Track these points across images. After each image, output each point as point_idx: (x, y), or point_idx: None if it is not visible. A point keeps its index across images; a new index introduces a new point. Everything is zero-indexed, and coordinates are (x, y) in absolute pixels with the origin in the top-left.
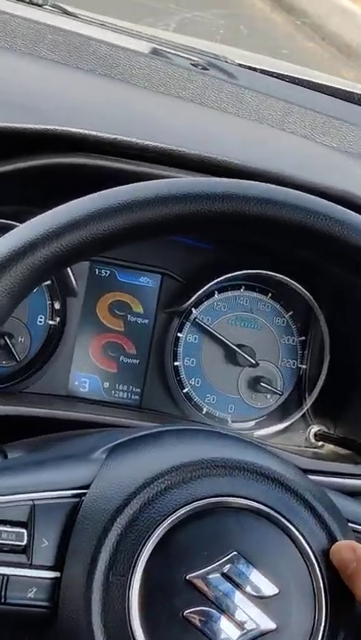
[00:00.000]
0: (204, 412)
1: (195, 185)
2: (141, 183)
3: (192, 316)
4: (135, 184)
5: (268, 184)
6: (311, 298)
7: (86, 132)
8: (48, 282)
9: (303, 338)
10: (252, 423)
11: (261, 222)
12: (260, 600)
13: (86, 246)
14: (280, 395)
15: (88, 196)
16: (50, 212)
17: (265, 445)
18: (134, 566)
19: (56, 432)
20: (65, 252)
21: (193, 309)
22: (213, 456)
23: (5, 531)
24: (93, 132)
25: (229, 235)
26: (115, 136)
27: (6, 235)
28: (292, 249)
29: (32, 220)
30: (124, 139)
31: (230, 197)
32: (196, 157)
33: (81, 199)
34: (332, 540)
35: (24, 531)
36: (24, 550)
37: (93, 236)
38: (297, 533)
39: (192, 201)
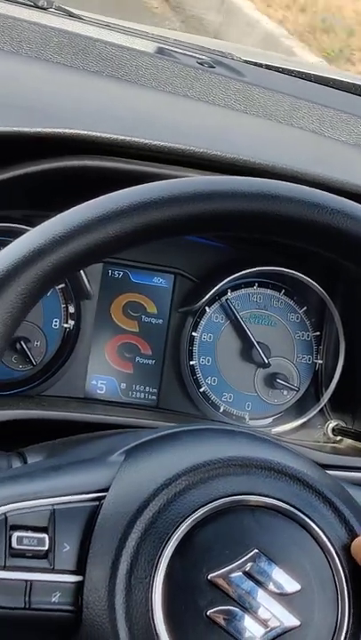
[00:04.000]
0: (221, 411)
1: (207, 184)
2: (150, 184)
3: (223, 298)
4: (144, 185)
5: (282, 181)
6: (325, 293)
7: (94, 133)
8: (62, 285)
9: (318, 333)
10: (270, 420)
11: (274, 220)
12: (282, 597)
13: (95, 250)
14: (297, 391)
15: (96, 199)
16: (58, 216)
17: (281, 441)
18: (156, 568)
19: (74, 435)
20: (74, 256)
21: (207, 308)
22: (230, 455)
23: (27, 536)
24: (101, 134)
25: (247, 233)
26: (123, 137)
27: (15, 241)
28: (306, 245)
29: (41, 225)
30: (133, 139)
31: (248, 196)
32: (206, 156)
33: (88, 202)
34: (353, 534)
35: (45, 536)
36: (46, 555)
37: (103, 239)
38: (317, 529)
39: (204, 200)
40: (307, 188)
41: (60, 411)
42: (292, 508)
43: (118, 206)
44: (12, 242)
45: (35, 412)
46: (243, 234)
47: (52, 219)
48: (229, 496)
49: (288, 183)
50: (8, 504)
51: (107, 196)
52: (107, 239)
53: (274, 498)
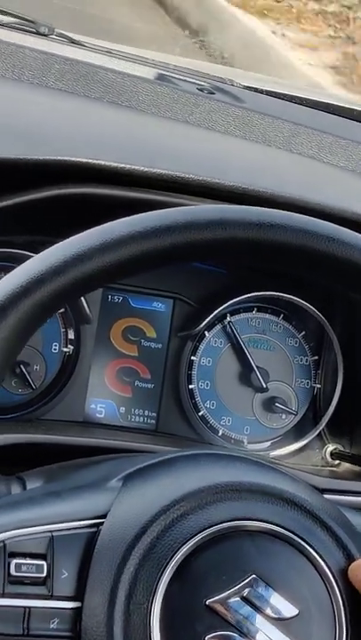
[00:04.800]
0: (220, 435)
1: (202, 213)
2: (149, 213)
3: (225, 321)
4: (144, 214)
5: (280, 210)
6: (323, 318)
7: (95, 161)
8: (62, 309)
9: (316, 357)
10: (268, 444)
11: (270, 249)
12: (280, 622)
13: (94, 279)
14: (295, 414)
15: (93, 229)
16: (56, 245)
17: (279, 466)
18: (154, 593)
19: (73, 458)
20: (73, 285)
21: (206, 332)
22: (228, 480)
23: (26, 563)
24: (102, 162)
25: (244, 261)
26: (123, 165)
27: (14, 270)
28: (303, 273)
29: (39, 254)
30: (133, 167)
31: (244, 225)
32: (204, 184)
33: (86, 232)
34: (350, 558)
35: (44, 562)
36: (44, 582)
37: (101, 268)
38: (314, 554)
39: (200, 229)
40: (301, 216)
41: (60, 435)
42: (289, 533)
43: (118, 235)
44: (14, 267)
45: (34, 437)
46: (241, 262)
47: (50, 248)
48: (226, 522)
49: (285, 212)
50: (7, 531)
51: (106, 225)
52: (105, 268)
53: (271, 523)
